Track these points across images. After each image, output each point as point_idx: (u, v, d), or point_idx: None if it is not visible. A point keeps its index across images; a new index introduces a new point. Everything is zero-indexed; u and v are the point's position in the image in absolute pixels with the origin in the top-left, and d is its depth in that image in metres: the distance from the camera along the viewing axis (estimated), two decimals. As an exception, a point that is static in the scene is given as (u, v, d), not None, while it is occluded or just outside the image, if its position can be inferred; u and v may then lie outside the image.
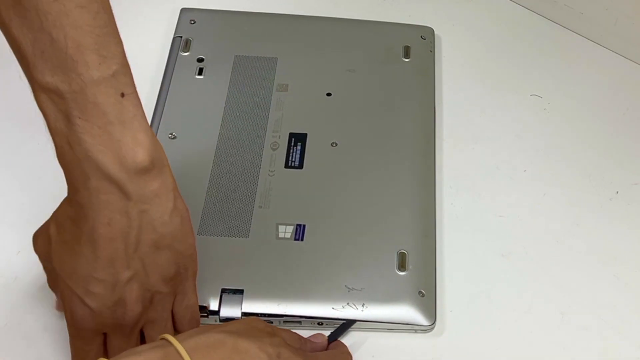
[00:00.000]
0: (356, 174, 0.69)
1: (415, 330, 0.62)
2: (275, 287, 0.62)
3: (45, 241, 0.55)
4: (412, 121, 0.72)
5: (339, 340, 0.60)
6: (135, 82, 0.51)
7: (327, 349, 0.60)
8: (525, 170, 0.72)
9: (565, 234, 0.68)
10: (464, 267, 0.66)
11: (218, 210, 0.66)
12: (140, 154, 0.50)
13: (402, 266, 0.63)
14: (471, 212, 0.69)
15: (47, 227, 0.55)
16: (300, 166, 0.69)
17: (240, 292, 0.61)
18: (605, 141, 0.74)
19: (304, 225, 0.65)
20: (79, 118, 0.48)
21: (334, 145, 0.70)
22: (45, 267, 0.58)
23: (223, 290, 0.61)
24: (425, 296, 0.62)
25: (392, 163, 0.70)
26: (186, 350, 0.48)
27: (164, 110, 0.72)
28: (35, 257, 0.65)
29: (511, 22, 0.83)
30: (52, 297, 0.61)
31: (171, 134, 0.70)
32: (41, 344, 0.61)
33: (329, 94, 0.74)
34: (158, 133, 0.70)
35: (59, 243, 0.54)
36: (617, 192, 0.70)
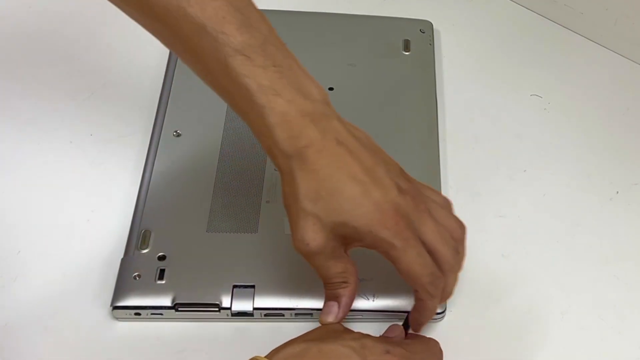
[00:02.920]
0: None
1: None
2: (286, 281, 0.62)
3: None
4: (414, 113, 0.73)
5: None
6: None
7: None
8: (525, 170, 0.72)
9: (565, 234, 0.68)
10: (464, 267, 0.66)
11: (226, 206, 0.66)
12: (318, 90, 0.56)
13: None
14: (471, 212, 0.69)
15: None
16: None
17: (252, 287, 0.62)
18: (605, 141, 0.74)
19: None
20: (273, 67, 0.52)
21: None
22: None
23: (234, 287, 0.62)
24: None
25: (396, 155, 0.69)
26: None
27: (168, 108, 0.72)
28: (35, 257, 0.64)
29: (511, 21, 0.83)
30: (51, 297, 0.61)
31: (176, 131, 0.70)
32: (41, 344, 0.60)
33: (331, 89, 0.73)
34: (162, 131, 0.70)
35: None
36: (617, 192, 0.70)
